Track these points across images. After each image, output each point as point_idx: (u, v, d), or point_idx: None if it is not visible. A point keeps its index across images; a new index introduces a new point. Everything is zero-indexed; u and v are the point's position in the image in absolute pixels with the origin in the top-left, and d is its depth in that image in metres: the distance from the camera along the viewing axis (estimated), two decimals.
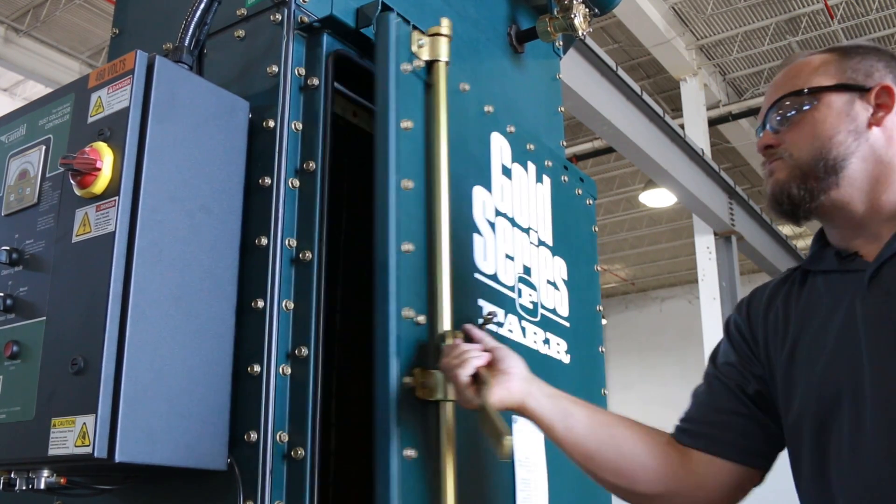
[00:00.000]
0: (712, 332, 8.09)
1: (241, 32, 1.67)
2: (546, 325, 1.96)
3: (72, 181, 1.37)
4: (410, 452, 1.43)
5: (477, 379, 1.45)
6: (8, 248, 1.45)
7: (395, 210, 1.51)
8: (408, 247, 1.52)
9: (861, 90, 1.40)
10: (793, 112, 1.42)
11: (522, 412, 1.48)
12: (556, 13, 2.31)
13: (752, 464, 1.47)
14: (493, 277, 1.79)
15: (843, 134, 1.38)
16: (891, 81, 1.40)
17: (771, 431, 1.47)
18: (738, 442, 1.47)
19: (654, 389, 16.13)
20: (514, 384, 1.46)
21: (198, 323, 1.40)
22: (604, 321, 2.66)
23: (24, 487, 1.33)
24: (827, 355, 1.34)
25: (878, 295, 1.31)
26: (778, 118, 1.44)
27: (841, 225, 1.42)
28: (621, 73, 8.05)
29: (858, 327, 1.30)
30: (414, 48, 1.66)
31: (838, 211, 1.40)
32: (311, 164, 1.56)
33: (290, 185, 1.55)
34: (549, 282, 2.02)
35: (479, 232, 1.77)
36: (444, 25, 1.70)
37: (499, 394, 1.43)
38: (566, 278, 2.10)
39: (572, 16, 2.27)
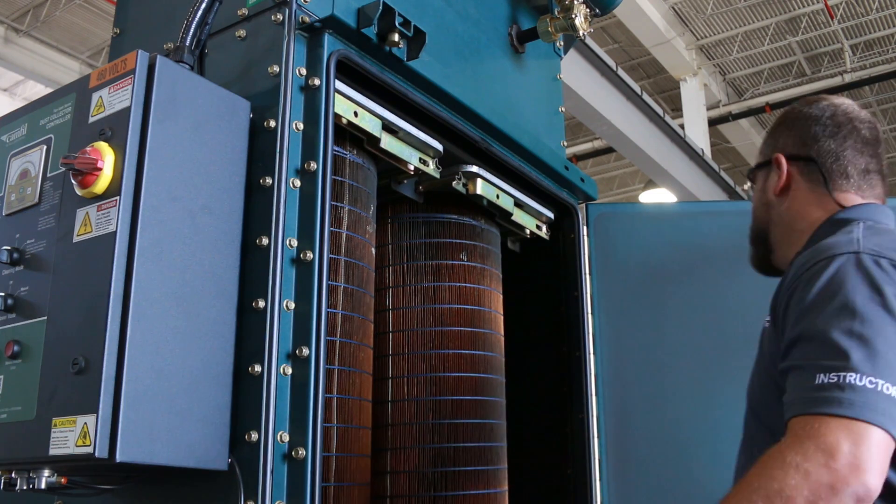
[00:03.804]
0: None
1: (242, 32, 1.67)
2: None
3: (73, 181, 1.37)
4: None
5: None
6: (9, 247, 1.44)
7: None
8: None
9: (770, 164, 1.62)
10: (752, 191, 1.69)
11: None
12: (556, 13, 2.31)
13: None
14: None
15: (760, 207, 1.63)
16: (786, 148, 1.59)
17: None
18: None
19: None
20: None
21: (199, 323, 1.40)
22: None
23: (24, 487, 1.33)
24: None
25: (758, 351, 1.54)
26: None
27: None
28: (621, 73, 8.06)
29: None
30: None
31: (784, 268, 1.58)
32: (312, 165, 1.56)
33: (292, 184, 1.55)
34: None
35: None
36: None
37: None
38: None
39: (573, 16, 2.27)
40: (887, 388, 1.20)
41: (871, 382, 1.21)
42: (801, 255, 1.46)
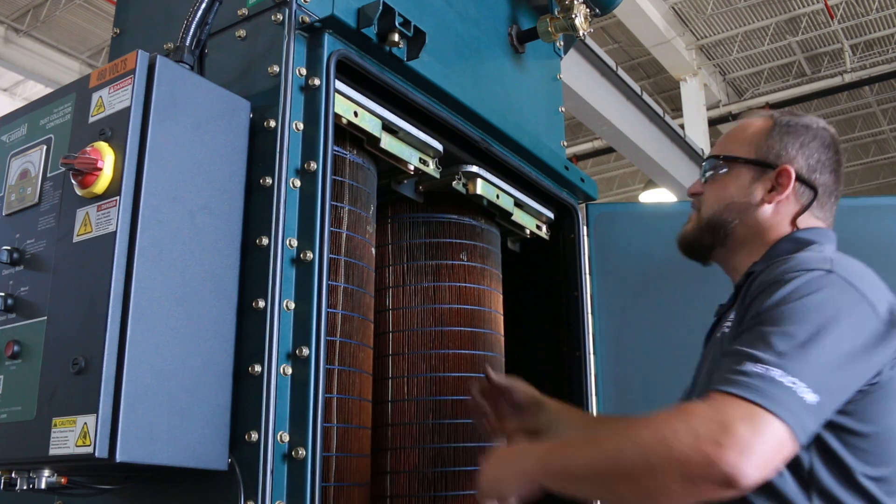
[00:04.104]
0: None
1: (242, 32, 1.67)
2: None
3: (73, 181, 1.37)
4: None
5: None
6: (9, 247, 1.44)
7: None
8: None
9: (767, 167, 1.58)
10: (713, 172, 1.64)
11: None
12: (556, 13, 2.31)
13: None
14: None
15: (738, 203, 1.59)
16: (796, 163, 1.57)
17: None
18: None
19: None
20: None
21: (199, 323, 1.40)
22: None
23: (24, 487, 1.33)
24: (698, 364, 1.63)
25: (705, 353, 1.61)
26: (706, 173, 1.67)
27: (728, 274, 1.66)
28: (621, 73, 8.07)
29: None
30: None
31: (722, 264, 1.67)
32: (312, 164, 1.56)
33: (292, 184, 1.55)
34: None
35: None
36: None
37: None
38: None
39: (573, 16, 2.27)
40: (807, 396, 1.24)
41: (793, 383, 1.24)
42: (766, 267, 1.48)
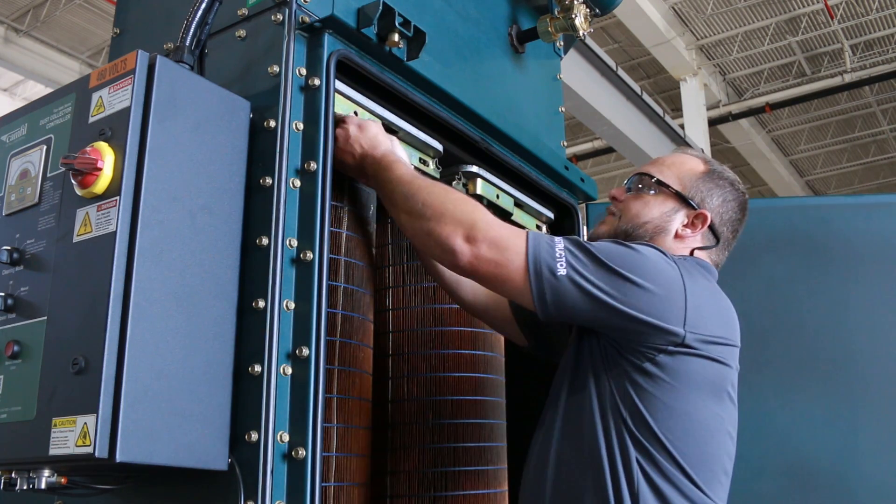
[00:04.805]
0: None
1: (242, 32, 1.67)
2: None
3: (73, 181, 1.37)
4: None
5: None
6: (9, 247, 1.44)
7: None
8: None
9: (689, 206, 1.75)
10: (641, 187, 1.80)
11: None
12: (556, 13, 2.32)
13: (529, 341, 1.99)
14: None
15: (656, 225, 1.76)
16: (714, 213, 1.76)
17: (554, 350, 1.92)
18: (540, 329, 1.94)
19: None
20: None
21: (199, 323, 1.40)
22: None
23: (24, 487, 1.33)
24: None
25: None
26: (635, 184, 1.82)
27: None
28: (621, 73, 8.07)
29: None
30: None
31: None
32: (312, 164, 1.56)
33: (292, 184, 1.55)
34: None
35: None
36: None
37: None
38: None
39: (573, 16, 2.27)
40: (559, 266, 1.49)
41: (559, 253, 1.51)
42: None
